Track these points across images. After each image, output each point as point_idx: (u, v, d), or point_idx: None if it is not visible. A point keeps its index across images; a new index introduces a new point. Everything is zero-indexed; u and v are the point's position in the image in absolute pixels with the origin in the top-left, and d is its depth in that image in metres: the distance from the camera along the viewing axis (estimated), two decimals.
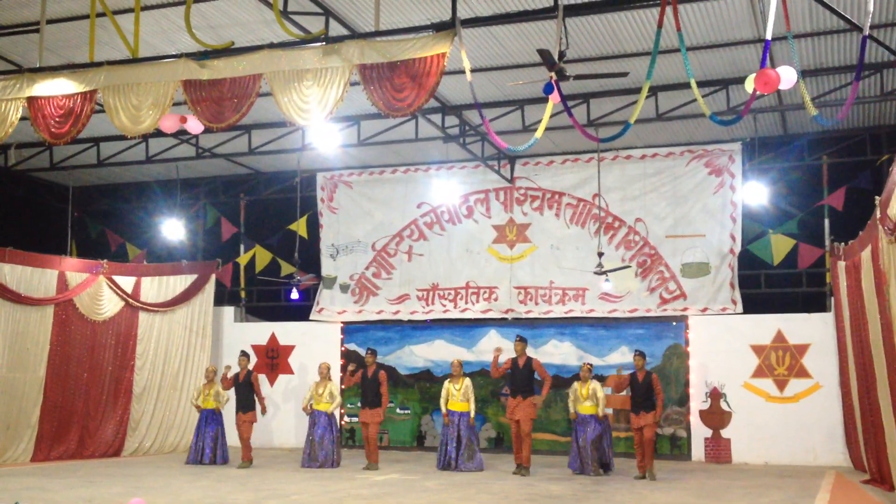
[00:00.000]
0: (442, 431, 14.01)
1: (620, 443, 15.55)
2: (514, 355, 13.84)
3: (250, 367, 15.20)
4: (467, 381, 13.89)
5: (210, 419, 14.81)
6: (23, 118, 10.94)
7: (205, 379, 15.30)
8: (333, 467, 14.07)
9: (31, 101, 10.70)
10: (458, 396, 13.71)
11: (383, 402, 14.19)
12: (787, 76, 7.98)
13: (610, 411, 14.84)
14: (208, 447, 14.67)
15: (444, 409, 13.83)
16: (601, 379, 15.78)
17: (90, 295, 16.16)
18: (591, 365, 13.81)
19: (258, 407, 14.85)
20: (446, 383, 13.97)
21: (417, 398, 17.06)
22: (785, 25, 8.41)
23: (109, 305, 16.48)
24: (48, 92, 10.66)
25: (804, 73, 9.52)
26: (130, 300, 16.74)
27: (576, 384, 13.60)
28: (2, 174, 17.39)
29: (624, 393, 14.31)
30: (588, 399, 13.34)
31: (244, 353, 15.15)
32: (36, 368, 15.20)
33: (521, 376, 13.55)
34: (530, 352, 15.41)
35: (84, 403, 15.93)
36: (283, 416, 17.45)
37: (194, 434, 14.94)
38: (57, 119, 10.62)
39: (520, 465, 13.31)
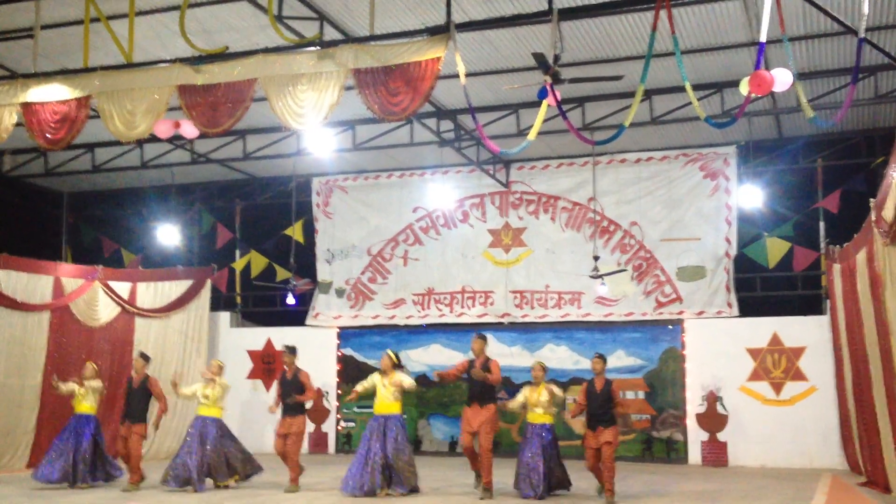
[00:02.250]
0: (363, 443, 11.36)
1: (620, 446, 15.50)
2: (472, 356, 11.67)
3: (148, 371, 12.60)
4: (400, 375, 11.50)
5: (87, 425, 12.45)
6: (17, 124, 10.91)
7: (83, 377, 12.64)
8: (253, 475, 12.20)
9: (26, 106, 10.69)
10: (388, 395, 11.37)
11: (308, 396, 11.98)
12: (781, 78, 7.99)
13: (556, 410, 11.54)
14: (81, 461, 12.15)
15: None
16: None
17: (86, 301, 16.12)
18: (544, 365, 11.49)
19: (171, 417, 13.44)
20: (376, 376, 11.58)
21: (414, 403, 17.01)
22: (779, 28, 8.44)
23: (105, 311, 16.45)
24: (43, 98, 10.65)
25: (799, 76, 9.52)
26: (126, 306, 16.71)
27: (526, 389, 11.34)
28: None
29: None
30: (540, 406, 11.12)
31: (142, 355, 12.77)
32: (33, 374, 15.12)
33: (480, 380, 11.28)
34: (525, 356, 15.44)
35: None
36: None
37: (60, 442, 12.34)
38: (52, 125, 10.60)
39: (484, 487, 11.02)
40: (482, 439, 11.09)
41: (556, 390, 11.20)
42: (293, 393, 11.78)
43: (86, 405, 12.54)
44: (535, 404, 11.11)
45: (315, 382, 17.10)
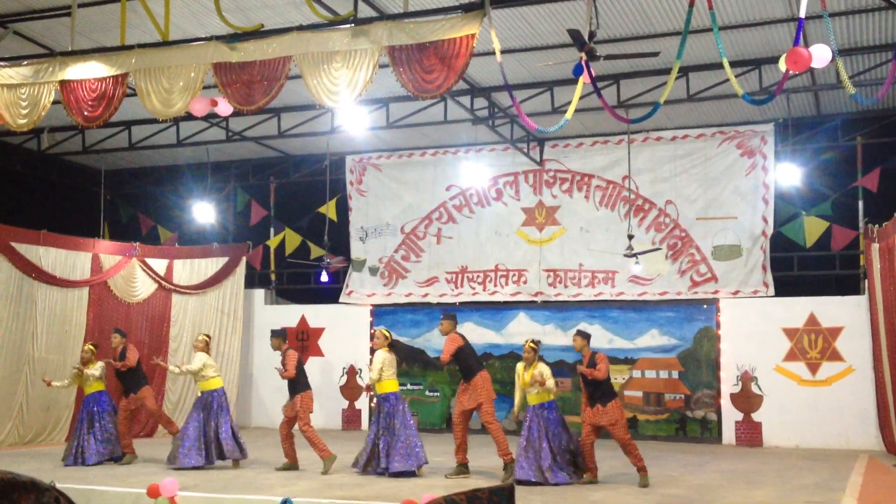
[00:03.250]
0: (374, 422, 11.42)
1: (650, 426, 15.51)
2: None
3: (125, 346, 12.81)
4: (379, 353, 11.46)
5: (102, 403, 12.60)
6: (55, 102, 11.03)
7: (81, 360, 12.82)
8: (239, 458, 11.99)
9: (64, 84, 10.79)
10: (377, 375, 11.33)
11: (284, 374, 11.63)
12: (820, 54, 7.86)
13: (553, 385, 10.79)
14: (104, 440, 12.38)
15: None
16: (631, 362, 15.75)
17: (124, 277, 16.35)
18: (535, 343, 10.84)
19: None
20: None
21: (447, 381, 17.09)
22: (819, 3, 8.30)
23: (143, 288, 16.68)
24: (80, 75, 10.74)
25: (839, 52, 9.35)
26: (163, 282, 16.93)
27: (519, 367, 10.84)
28: (35, 158, 17.58)
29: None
30: (535, 386, 10.56)
31: (117, 331, 13.05)
32: (73, 350, 15.38)
33: (462, 356, 11.31)
34: (558, 335, 15.37)
35: (119, 385, 16.10)
36: None
37: (79, 428, 12.39)
38: (90, 102, 10.70)
39: (505, 463, 10.93)
40: (481, 414, 11.00)
41: (549, 380, 10.53)
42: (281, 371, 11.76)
43: (93, 385, 12.65)
44: (531, 385, 10.55)
45: (347, 360, 17.48)
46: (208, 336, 12.75)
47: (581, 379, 10.66)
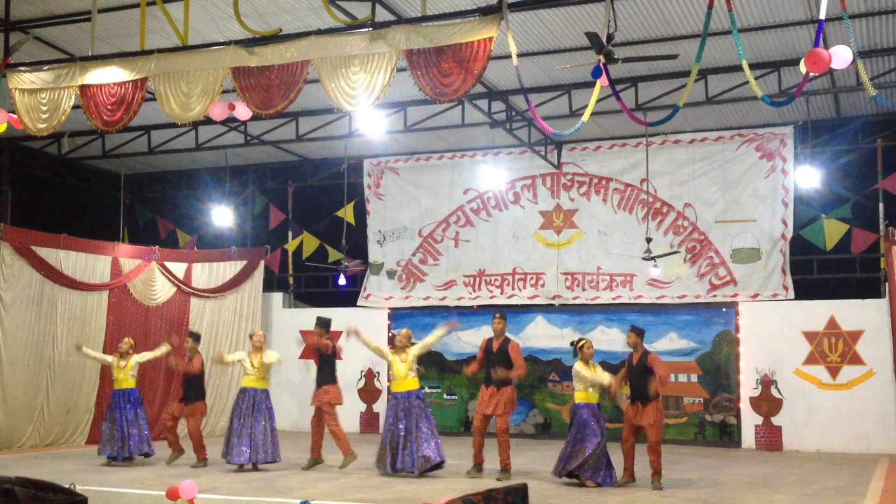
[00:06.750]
0: (387, 420, 11.41)
1: (668, 430, 15.44)
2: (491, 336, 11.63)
3: (201, 350, 12.98)
4: (414, 350, 11.53)
5: (130, 400, 12.67)
6: (75, 106, 11.12)
7: (117, 353, 12.94)
8: (272, 461, 11.92)
9: (84, 89, 10.87)
10: (404, 373, 11.35)
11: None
12: (840, 55, 7.80)
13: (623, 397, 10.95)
14: (133, 438, 12.45)
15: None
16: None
17: (143, 280, 16.43)
18: (586, 341, 10.91)
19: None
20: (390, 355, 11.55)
21: (465, 384, 17.07)
22: (839, 5, 8.25)
23: (162, 291, 16.76)
24: (100, 80, 10.82)
25: (859, 54, 9.28)
26: (182, 286, 17.00)
27: (578, 366, 10.71)
28: (55, 162, 17.73)
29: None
30: (592, 385, 10.65)
31: (193, 335, 13.11)
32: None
33: (497, 361, 11.24)
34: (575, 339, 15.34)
35: (139, 388, 16.16)
36: None
37: (109, 422, 12.51)
38: (109, 107, 10.77)
39: (503, 469, 11.13)
40: (500, 422, 11.11)
41: (602, 373, 10.66)
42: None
43: (129, 381, 12.81)
44: (593, 383, 10.60)
45: (365, 363, 17.51)
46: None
47: (629, 376, 10.64)
